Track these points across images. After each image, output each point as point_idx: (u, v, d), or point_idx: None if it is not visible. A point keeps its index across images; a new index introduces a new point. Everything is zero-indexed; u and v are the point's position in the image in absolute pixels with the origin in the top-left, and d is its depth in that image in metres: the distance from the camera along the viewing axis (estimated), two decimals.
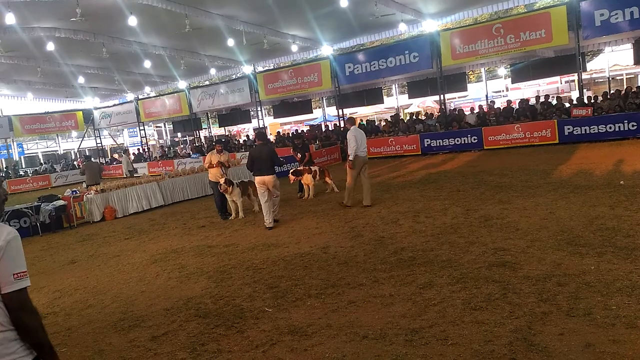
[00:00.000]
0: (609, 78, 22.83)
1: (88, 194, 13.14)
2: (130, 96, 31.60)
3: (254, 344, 4.29)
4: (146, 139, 33.71)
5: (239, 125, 35.05)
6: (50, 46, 19.10)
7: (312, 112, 29.47)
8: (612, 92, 17.83)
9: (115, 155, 36.54)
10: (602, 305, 4.14)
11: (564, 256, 5.42)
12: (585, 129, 15.72)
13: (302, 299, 5.22)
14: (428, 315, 4.38)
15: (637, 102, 15.84)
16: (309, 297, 5.24)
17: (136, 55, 22.34)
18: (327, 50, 22.68)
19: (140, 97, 31.21)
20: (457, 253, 6.03)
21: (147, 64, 23.22)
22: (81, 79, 26.34)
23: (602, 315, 3.95)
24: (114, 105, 32.87)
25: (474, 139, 17.80)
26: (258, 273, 6.35)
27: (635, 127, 14.92)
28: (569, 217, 7.00)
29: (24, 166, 37.48)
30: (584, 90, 18.56)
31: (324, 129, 25.87)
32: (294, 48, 22.54)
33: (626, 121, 15.12)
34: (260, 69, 26.48)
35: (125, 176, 17.47)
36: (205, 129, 33.13)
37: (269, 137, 27.15)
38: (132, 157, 30.43)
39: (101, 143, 34.69)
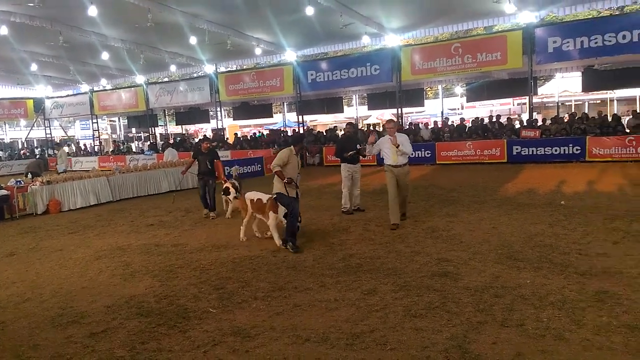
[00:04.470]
0: (558, 103, 23.90)
1: (33, 185, 12.65)
2: (84, 87, 30.65)
3: (196, 344, 4.26)
4: (99, 132, 32.69)
5: (197, 125, 34.56)
6: (4, 30, 18.29)
7: (272, 117, 29.50)
8: (560, 116, 18.70)
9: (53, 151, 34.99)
10: (534, 317, 4.34)
11: (502, 269, 5.66)
12: (533, 150, 16.44)
13: (248, 301, 5.22)
14: (370, 321, 4.48)
15: (582, 127, 16.70)
16: (255, 299, 5.25)
17: (94, 46, 21.70)
18: (290, 55, 22.75)
19: (96, 89, 30.31)
20: (403, 262, 6.19)
21: (105, 55, 22.59)
22: (34, 67, 25.34)
23: (534, 327, 4.15)
24: (67, 95, 31.79)
25: (428, 154, 18.26)
26: (205, 274, 6.30)
27: (579, 151, 15.73)
28: (510, 233, 7.31)
29: None
30: (534, 113, 19.37)
31: (282, 135, 25.86)
32: (258, 51, 22.48)
33: (571, 145, 15.92)
34: (222, 69, 26.26)
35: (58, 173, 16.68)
36: (162, 126, 32.49)
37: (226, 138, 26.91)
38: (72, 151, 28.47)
39: (51, 134, 33.41)
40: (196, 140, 29.55)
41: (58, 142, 26.63)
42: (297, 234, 7.29)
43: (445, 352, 3.80)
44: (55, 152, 29.25)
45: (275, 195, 7.28)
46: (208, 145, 10.58)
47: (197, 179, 10.88)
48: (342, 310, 4.79)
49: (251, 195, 7.99)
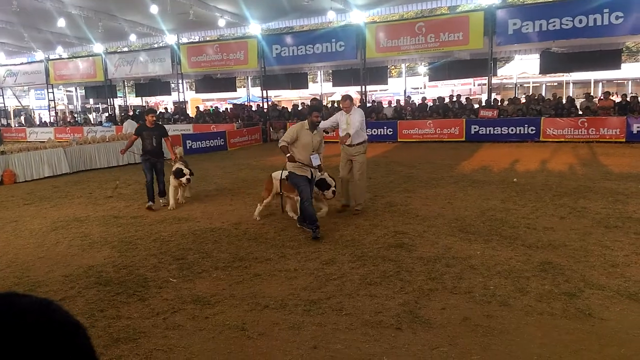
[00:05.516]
0: (516, 84, 24.50)
1: None
2: (40, 55, 29.37)
3: (155, 311, 4.32)
4: (55, 102, 31.50)
5: (157, 97, 33.69)
6: None
7: (236, 91, 29.05)
8: (518, 97, 19.21)
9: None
10: (481, 285, 4.60)
11: (454, 241, 5.92)
12: (490, 130, 16.89)
13: (209, 270, 5.29)
14: (327, 289, 4.64)
15: (538, 108, 17.25)
16: (216, 269, 5.33)
17: (49, 13, 20.77)
18: (255, 29, 22.40)
19: (52, 57, 29.08)
20: (361, 234, 6.38)
21: (61, 22, 21.67)
22: None
23: (481, 294, 4.39)
24: (22, 63, 30.43)
25: (390, 131, 18.50)
26: (165, 245, 6.32)
27: (534, 132, 16.27)
28: (464, 208, 7.60)
29: None
30: (493, 94, 19.83)
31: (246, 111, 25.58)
32: (221, 23, 22.01)
33: (526, 125, 16.43)
34: (184, 40, 25.64)
35: None
36: (121, 97, 31.57)
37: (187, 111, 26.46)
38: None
39: (4, 103, 32.01)
40: (157, 113, 28.85)
41: None
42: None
43: (397, 317, 4.00)
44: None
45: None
46: (154, 118, 8.73)
47: (141, 160, 8.76)
48: (301, 279, 4.93)
49: (278, 174, 7.16)
